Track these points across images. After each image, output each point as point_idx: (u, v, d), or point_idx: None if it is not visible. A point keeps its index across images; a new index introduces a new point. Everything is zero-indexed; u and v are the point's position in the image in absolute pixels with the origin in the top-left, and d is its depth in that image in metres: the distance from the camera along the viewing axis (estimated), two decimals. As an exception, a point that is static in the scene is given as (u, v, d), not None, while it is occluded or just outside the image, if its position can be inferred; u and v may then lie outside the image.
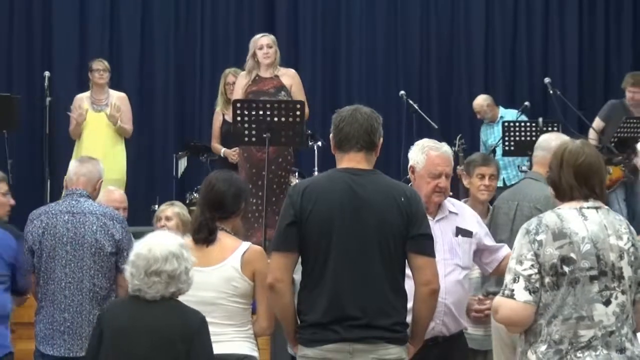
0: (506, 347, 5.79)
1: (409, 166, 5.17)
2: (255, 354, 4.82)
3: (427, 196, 4.96)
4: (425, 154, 5.10)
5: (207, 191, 4.87)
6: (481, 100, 11.07)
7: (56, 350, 5.63)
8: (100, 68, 9.57)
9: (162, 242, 4.15)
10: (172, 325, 4.08)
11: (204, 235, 4.78)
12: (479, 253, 5.19)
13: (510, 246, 5.37)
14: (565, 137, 5.87)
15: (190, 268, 4.18)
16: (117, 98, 9.59)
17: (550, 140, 5.78)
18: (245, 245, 4.81)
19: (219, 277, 4.73)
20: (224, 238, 4.80)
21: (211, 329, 4.49)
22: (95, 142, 9.38)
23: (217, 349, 4.58)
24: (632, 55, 12.19)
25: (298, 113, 8.03)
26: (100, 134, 9.45)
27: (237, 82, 8.90)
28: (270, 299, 4.53)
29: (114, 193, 7.31)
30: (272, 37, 8.86)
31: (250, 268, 4.74)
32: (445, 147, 5.17)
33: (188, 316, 4.16)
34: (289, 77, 8.73)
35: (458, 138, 10.30)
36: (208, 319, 4.64)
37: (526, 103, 10.88)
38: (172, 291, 4.12)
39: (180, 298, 4.74)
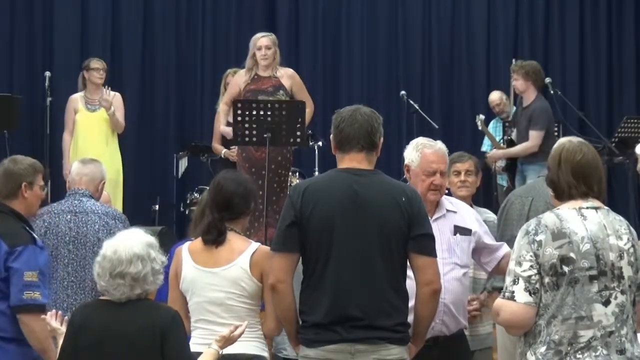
0: (512, 344, 5.81)
1: (404, 165, 5.17)
2: (265, 354, 4.84)
3: (422, 194, 4.93)
4: (420, 151, 5.10)
5: (216, 192, 4.86)
6: (497, 97, 10.97)
7: (58, 350, 5.62)
8: (100, 67, 9.53)
9: (128, 244, 4.10)
10: (144, 328, 4.05)
11: (213, 236, 4.78)
12: (478, 252, 5.17)
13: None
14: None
15: (159, 268, 4.12)
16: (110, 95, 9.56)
17: None
18: (255, 246, 4.81)
19: (227, 277, 4.73)
20: (234, 239, 4.81)
21: (220, 329, 4.52)
22: (89, 142, 9.35)
23: (227, 349, 4.59)
24: (634, 55, 12.19)
25: (299, 113, 8.03)
26: (94, 133, 9.42)
27: (235, 79, 8.90)
28: (272, 299, 4.54)
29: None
30: (272, 37, 8.82)
31: (259, 269, 4.74)
32: (439, 145, 5.17)
33: (158, 315, 4.12)
34: (288, 78, 8.73)
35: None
36: (217, 320, 4.69)
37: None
38: (137, 293, 4.09)
39: (191, 299, 4.76)
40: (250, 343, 4.72)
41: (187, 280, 4.79)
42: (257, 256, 4.76)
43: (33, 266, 5.02)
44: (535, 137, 9.20)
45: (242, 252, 4.76)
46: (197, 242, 4.83)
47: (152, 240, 4.19)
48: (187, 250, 4.84)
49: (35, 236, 5.19)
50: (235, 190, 4.84)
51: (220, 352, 4.34)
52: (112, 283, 4.08)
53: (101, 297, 4.20)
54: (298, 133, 8.08)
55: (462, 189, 6.02)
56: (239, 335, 4.39)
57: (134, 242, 4.12)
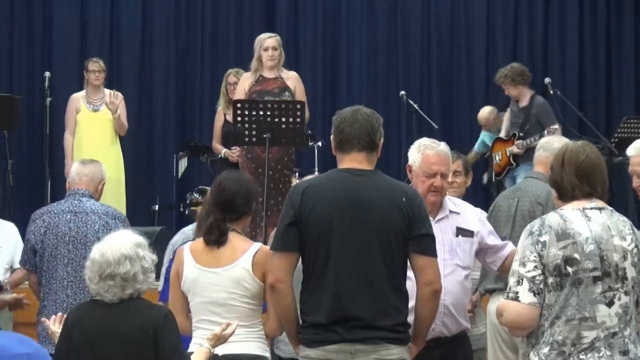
0: (504, 344, 5.82)
1: (407, 165, 5.17)
2: (267, 354, 4.83)
3: (423, 195, 4.92)
4: (422, 152, 5.09)
5: (218, 192, 4.86)
6: (487, 113, 10.83)
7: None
8: (95, 69, 9.53)
9: (115, 245, 4.13)
10: (136, 327, 4.07)
11: (215, 236, 4.78)
12: (483, 252, 5.16)
13: (512, 241, 5.40)
14: (567, 140, 5.91)
15: (149, 266, 4.16)
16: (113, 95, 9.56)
17: (553, 142, 5.85)
18: (257, 246, 4.81)
19: (229, 278, 4.73)
20: (235, 239, 4.80)
21: None
22: (91, 142, 9.34)
23: (229, 349, 4.59)
24: (633, 56, 12.19)
25: (298, 114, 8.04)
26: (96, 133, 9.41)
27: (240, 82, 8.91)
28: (272, 299, 4.54)
29: None
30: (278, 38, 8.85)
31: (261, 269, 4.73)
32: (442, 146, 5.14)
33: (150, 313, 4.14)
34: (293, 81, 8.78)
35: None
36: (220, 320, 4.65)
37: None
38: (129, 292, 4.11)
39: (192, 299, 4.76)
40: (251, 343, 4.72)
41: (188, 280, 4.78)
42: (259, 256, 4.76)
43: None
44: (559, 130, 9.43)
45: (244, 252, 4.76)
46: (199, 242, 4.83)
47: (141, 239, 4.21)
48: (189, 250, 4.84)
49: None
50: (237, 190, 4.84)
51: (212, 351, 4.34)
52: (102, 285, 4.10)
53: (95, 298, 4.21)
54: (298, 133, 8.09)
55: (450, 190, 6.03)
56: (231, 334, 4.40)
57: (120, 243, 4.14)
